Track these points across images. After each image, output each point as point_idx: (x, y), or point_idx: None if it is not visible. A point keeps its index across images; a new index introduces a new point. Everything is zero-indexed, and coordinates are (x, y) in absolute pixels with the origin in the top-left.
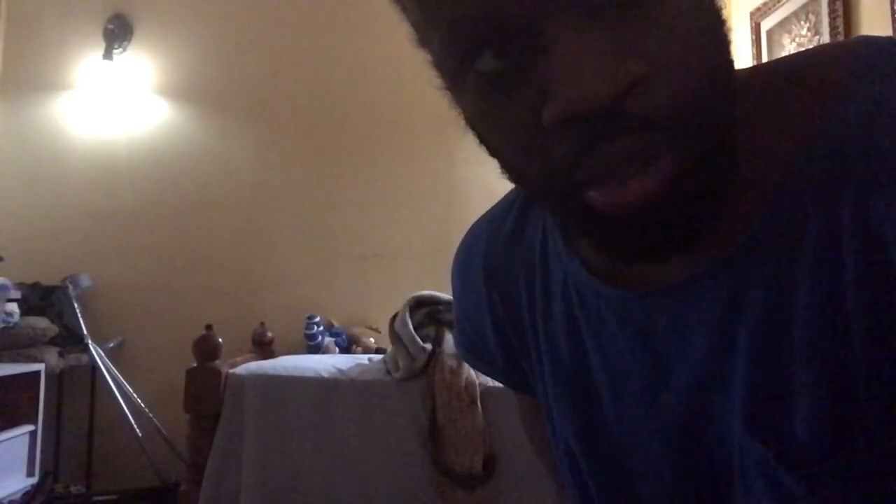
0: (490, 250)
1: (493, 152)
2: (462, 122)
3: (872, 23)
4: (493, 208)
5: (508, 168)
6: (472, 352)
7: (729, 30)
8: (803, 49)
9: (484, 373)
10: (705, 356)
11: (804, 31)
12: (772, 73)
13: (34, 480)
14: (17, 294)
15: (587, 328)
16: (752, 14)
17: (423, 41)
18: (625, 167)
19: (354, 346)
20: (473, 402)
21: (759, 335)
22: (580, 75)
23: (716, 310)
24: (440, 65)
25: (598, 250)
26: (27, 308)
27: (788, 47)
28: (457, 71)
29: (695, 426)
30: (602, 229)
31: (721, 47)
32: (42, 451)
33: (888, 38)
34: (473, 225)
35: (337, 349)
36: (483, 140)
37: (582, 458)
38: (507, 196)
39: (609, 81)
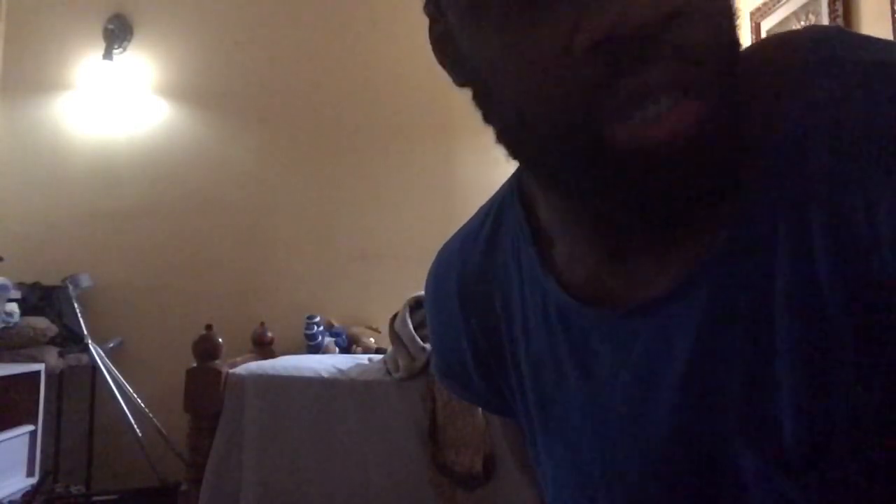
0: (464, 274)
1: (500, 107)
2: (462, 77)
3: (872, 23)
4: (462, 229)
5: (519, 122)
6: (450, 376)
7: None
8: (757, 41)
9: (462, 397)
10: (691, 368)
11: None
12: None
13: (34, 480)
14: (17, 294)
15: (569, 349)
16: (752, 14)
17: None
18: (661, 96)
19: (354, 346)
20: None
21: (745, 344)
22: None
23: (698, 321)
24: (457, 8)
25: (609, 203)
26: (27, 308)
27: None
28: (478, 9)
29: (685, 439)
30: (623, 171)
31: (735, 13)
32: (42, 451)
33: (836, 28)
34: (444, 247)
35: (337, 349)
36: (487, 93)
37: (568, 487)
38: (475, 217)
39: (653, 7)
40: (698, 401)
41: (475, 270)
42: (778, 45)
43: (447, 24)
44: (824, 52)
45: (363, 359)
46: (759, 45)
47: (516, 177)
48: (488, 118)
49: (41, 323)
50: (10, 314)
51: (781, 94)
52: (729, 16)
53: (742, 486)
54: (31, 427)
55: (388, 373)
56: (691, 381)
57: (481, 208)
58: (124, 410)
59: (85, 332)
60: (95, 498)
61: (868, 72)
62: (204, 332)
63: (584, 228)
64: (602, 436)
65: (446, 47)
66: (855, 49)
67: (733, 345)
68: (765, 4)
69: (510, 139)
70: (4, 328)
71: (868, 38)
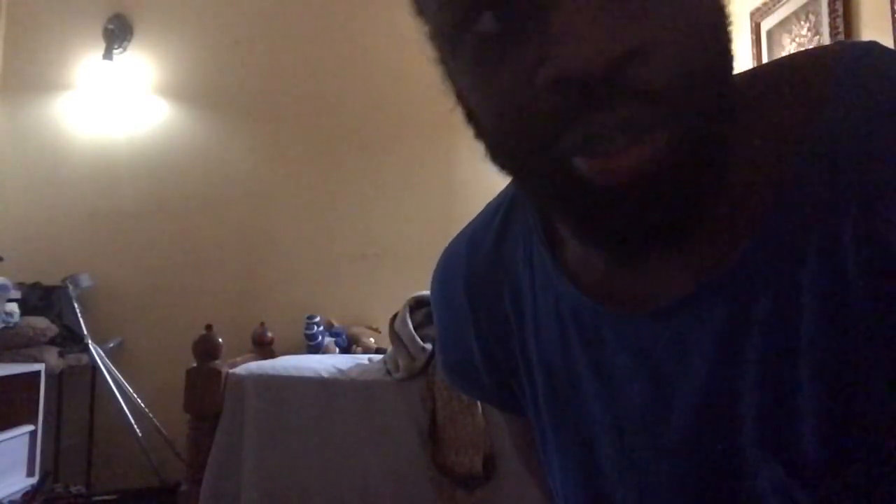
0: (471, 270)
1: (481, 128)
2: (452, 97)
3: (872, 23)
4: (470, 225)
5: (495, 144)
6: (458, 374)
7: (731, 23)
8: (788, 54)
9: (470, 395)
10: (710, 375)
11: (804, 31)
12: (753, 82)
13: (34, 480)
14: (17, 294)
15: (583, 350)
16: (752, 14)
17: (422, 7)
18: (617, 137)
19: (354, 346)
20: (473, 402)
21: (767, 351)
22: (581, 37)
23: (718, 327)
24: (437, 30)
25: (578, 232)
26: (27, 308)
27: (788, 47)
28: (454, 34)
29: (702, 447)
30: (586, 202)
31: (722, 35)
32: (42, 451)
33: (866, 43)
34: (451, 244)
35: (337, 349)
36: (471, 114)
37: (580, 488)
38: (484, 213)
39: (610, 46)
40: (717, 408)
41: (484, 267)
42: (809, 58)
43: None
44: (856, 65)
45: (363, 359)
46: (790, 59)
47: None
48: (476, 136)
49: (41, 323)
50: (10, 314)
51: (812, 106)
52: (699, 40)
53: (759, 496)
54: (31, 427)
55: (388, 373)
56: (710, 388)
57: (489, 204)
58: (124, 410)
59: (85, 332)
60: (95, 498)
61: (893, 88)
62: (204, 332)
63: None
64: (617, 438)
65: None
66: (887, 64)
67: (754, 352)
68: (765, 4)
69: (494, 161)
70: (4, 328)
71: None
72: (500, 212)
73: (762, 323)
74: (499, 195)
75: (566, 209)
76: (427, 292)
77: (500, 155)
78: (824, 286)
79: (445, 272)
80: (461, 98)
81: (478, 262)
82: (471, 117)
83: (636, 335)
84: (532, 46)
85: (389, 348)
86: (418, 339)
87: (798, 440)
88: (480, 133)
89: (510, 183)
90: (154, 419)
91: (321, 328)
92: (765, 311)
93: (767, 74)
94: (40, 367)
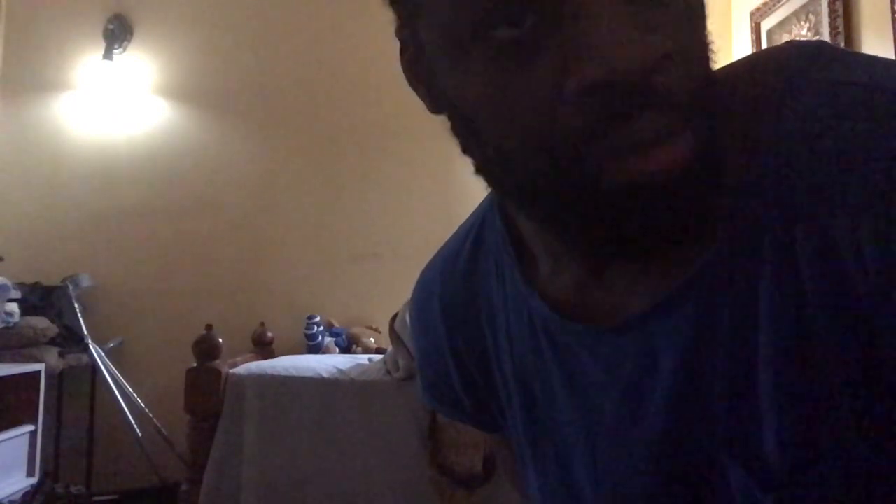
0: (446, 293)
1: (480, 142)
2: (438, 109)
3: (872, 23)
4: (442, 250)
5: (500, 158)
6: (437, 397)
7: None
8: (742, 57)
9: (450, 417)
10: (677, 384)
11: (804, 32)
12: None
13: (34, 480)
14: (17, 294)
15: (557, 366)
16: (752, 14)
17: (415, 17)
18: (650, 141)
19: (354, 346)
20: None
21: (730, 358)
22: (615, 44)
23: (684, 336)
24: (444, 36)
25: (593, 236)
26: (27, 308)
27: None
28: (462, 45)
29: (673, 455)
30: (608, 208)
31: (712, 47)
32: (42, 451)
33: (816, 44)
34: (426, 268)
35: (337, 349)
36: (468, 127)
37: (557, 501)
38: (456, 236)
39: (642, 53)
40: (685, 416)
41: (459, 289)
42: (762, 65)
43: (422, 51)
44: (806, 70)
45: (363, 359)
46: (745, 63)
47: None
48: (467, 150)
49: (41, 323)
50: (10, 314)
51: (764, 114)
52: (706, 49)
53: (728, 499)
54: (31, 427)
55: (388, 373)
56: (677, 396)
57: (461, 227)
58: (124, 410)
59: (85, 332)
60: (95, 498)
61: (844, 93)
62: (204, 332)
63: (566, 248)
64: (592, 451)
65: (420, 74)
66: (834, 70)
67: (718, 361)
68: (765, 4)
69: (491, 173)
70: (4, 328)
71: (849, 57)
72: (472, 233)
73: (725, 330)
74: (470, 216)
75: (584, 217)
76: None
77: (507, 171)
78: (780, 295)
79: (421, 296)
80: (453, 108)
81: (452, 284)
82: (465, 130)
83: (606, 349)
84: (554, 54)
85: (389, 348)
86: None
87: (760, 445)
88: (480, 148)
89: (482, 202)
90: (154, 419)
91: (321, 328)
92: (726, 319)
93: (723, 80)
94: (40, 367)
